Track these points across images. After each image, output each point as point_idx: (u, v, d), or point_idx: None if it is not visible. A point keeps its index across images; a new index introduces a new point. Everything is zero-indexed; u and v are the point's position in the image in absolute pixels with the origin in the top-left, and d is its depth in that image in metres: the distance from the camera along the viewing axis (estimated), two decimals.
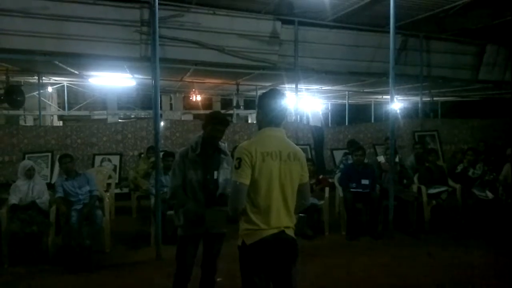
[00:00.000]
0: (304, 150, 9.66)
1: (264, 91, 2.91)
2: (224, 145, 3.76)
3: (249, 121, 19.43)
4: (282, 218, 2.65)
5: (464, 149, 9.23)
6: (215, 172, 3.61)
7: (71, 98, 16.33)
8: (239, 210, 2.61)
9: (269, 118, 2.72)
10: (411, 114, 15.96)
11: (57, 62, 8.89)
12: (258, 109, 2.81)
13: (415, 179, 7.39)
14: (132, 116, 17.90)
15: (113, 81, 12.27)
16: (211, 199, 3.55)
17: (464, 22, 9.58)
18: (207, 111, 19.29)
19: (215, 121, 3.56)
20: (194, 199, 3.55)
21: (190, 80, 12.46)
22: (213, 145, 3.61)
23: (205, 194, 3.56)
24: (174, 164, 3.69)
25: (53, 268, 5.31)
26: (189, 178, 3.55)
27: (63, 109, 15.73)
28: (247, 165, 2.55)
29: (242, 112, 18.16)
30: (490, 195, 7.04)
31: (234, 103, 16.10)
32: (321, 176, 7.31)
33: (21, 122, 14.79)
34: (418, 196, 6.97)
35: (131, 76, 11.30)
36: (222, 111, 19.46)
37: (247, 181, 2.55)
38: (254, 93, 14.83)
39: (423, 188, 7.07)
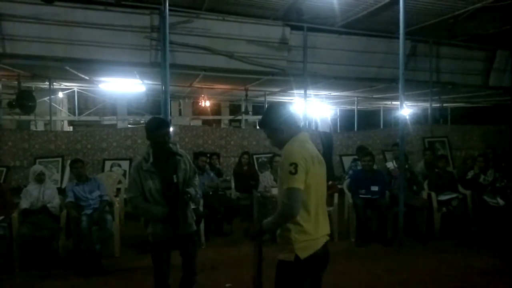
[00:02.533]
0: None
1: (270, 108, 2.87)
2: (176, 146, 3.76)
3: (257, 127, 19.43)
4: (326, 225, 2.68)
5: (474, 155, 9.15)
6: (174, 176, 3.62)
7: (82, 103, 16.48)
8: (294, 218, 2.49)
9: (295, 126, 2.73)
10: (420, 120, 15.85)
11: (68, 68, 8.98)
12: (278, 127, 2.69)
13: (425, 185, 7.34)
14: (142, 121, 17.97)
15: (123, 86, 12.36)
16: (175, 203, 3.59)
17: (474, 27, 9.54)
18: (216, 117, 19.46)
19: (154, 128, 3.59)
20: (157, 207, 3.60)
21: (199, 86, 12.50)
22: (164, 150, 3.63)
23: (167, 200, 3.59)
24: (130, 177, 3.74)
25: (63, 272, 5.34)
26: (148, 188, 3.55)
27: (74, 114, 15.85)
28: (303, 170, 2.48)
29: (250, 117, 18.18)
30: (501, 202, 6.96)
31: (243, 109, 16.12)
32: (330, 182, 7.27)
33: (32, 127, 14.94)
34: (428, 203, 6.91)
35: (141, 81, 11.38)
36: (231, 117, 19.59)
37: (303, 187, 2.47)
38: (262, 98, 14.85)
39: (433, 194, 7.01)
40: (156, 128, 3.58)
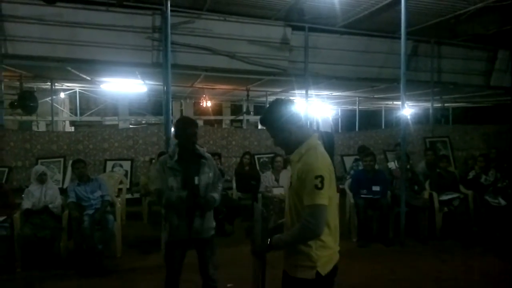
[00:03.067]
0: None
1: (274, 104, 2.51)
2: (203, 149, 3.76)
3: (259, 127, 19.43)
4: (338, 232, 2.48)
5: (476, 155, 9.15)
6: (196, 178, 3.59)
7: (83, 104, 16.50)
8: (319, 237, 2.27)
9: (302, 126, 2.48)
10: (422, 120, 15.86)
11: (69, 68, 9.00)
12: (284, 127, 2.41)
13: (427, 185, 7.34)
14: (143, 122, 18.01)
15: (124, 87, 12.37)
16: (192, 205, 3.55)
17: (475, 27, 9.53)
18: (218, 117, 19.46)
19: (186, 126, 3.63)
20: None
21: (201, 86, 12.52)
22: (190, 150, 3.63)
23: (186, 201, 3.54)
24: (155, 172, 3.75)
25: (65, 272, 5.35)
26: (170, 185, 3.55)
27: (75, 114, 15.88)
28: (328, 183, 2.24)
29: (252, 118, 18.19)
30: (502, 202, 6.95)
31: (244, 109, 16.13)
32: None
33: (34, 128, 14.95)
34: (430, 203, 6.91)
35: (143, 82, 11.40)
36: (233, 117, 19.60)
37: (328, 202, 2.24)
38: (264, 99, 14.86)
39: (434, 194, 7.01)
40: (184, 127, 3.61)
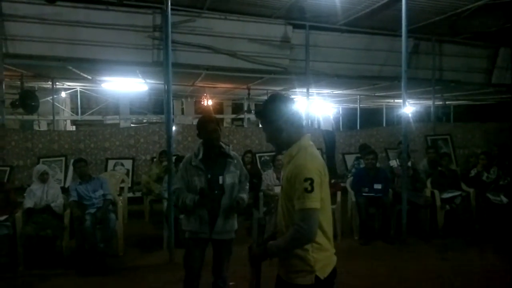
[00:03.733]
0: None
1: (271, 100, 2.41)
2: (228, 147, 3.66)
3: (260, 126, 19.43)
4: (332, 235, 2.39)
5: (477, 153, 9.14)
6: (220, 177, 3.53)
7: (84, 103, 16.49)
8: (312, 241, 2.19)
9: (298, 127, 2.37)
10: (423, 118, 15.82)
11: (70, 68, 9.00)
12: (277, 125, 2.32)
13: (428, 183, 7.33)
14: (144, 120, 18.01)
15: (125, 86, 12.38)
16: (216, 204, 3.51)
17: (476, 25, 9.51)
18: (219, 116, 19.45)
19: (205, 123, 3.56)
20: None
21: (202, 85, 12.52)
22: (214, 148, 3.57)
23: (209, 200, 3.49)
24: (178, 171, 3.71)
25: (67, 271, 5.36)
26: (194, 185, 3.50)
27: (76, 114, 15.87)
28: (318, 185, 2.16)
29: (253, 116, 18.17)
30: (504, 199, 6.94)
31: (245, 108, 16.13)
32: (333, 181, 7.28)
33: (35, 127, 14.97)
34: (431, 201, 6.91)
35: (143, 81, 11.40)
36: (233, 116, 19.60)
37: (319, 205, 2.15)
38: (265, 97, 14.82)
39: (436, 192, 7.00)
40: (204, 125, 3.54)
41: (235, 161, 3.64)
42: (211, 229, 3.52)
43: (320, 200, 2.17)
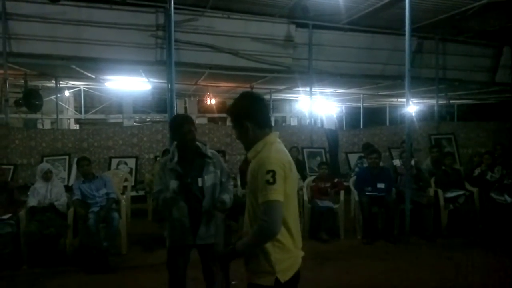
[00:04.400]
0: (319, 154, 9.67)
1: (240, 99, 2.37)
2: (205, 147, 3.49)
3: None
4: (300, 237, 2.32)
5: (481, 152, 9.11)
6: (199, 179, 3.36)
7: (88, 101, 16.54)
8: (276, 236, 2.10)
9: (264, 123, 2.31)
10: (427, 117, 15.79)
11: (74, 66, 9.03)
12: (246, 121, 2.26)
13: (432, 182, 7.31)
14: (148, 119, 18.05)
15: (128, 85, 12.40)
16: (196, 208, 3.33)
17: (480, 24, 9.49)
18: (222, 115, 19.46)
19: (179, 124, 3.39)
20: (178, 209, 3.36)
21: (205, 84, 12.52)
22: (191, 150, 3.40)
23: (188, 204, 3.34)
24: (157, 174, 3.53)
25: (71, 270, 5.37)
26: (171, 188, 3.31)
27: (80, 112, 15.92)
28: (282, 178, 2.09)
29: None
30: (508, 199, 6.91)
31: None
32: (336, 180, 7.27)
33: (39, 126, 14.99)
34: (435, 200, 6.89)
35: (147, 80, 11.42)
36: None
37: (283, 198, 2.07)
38: (268, 96, 14.85)
39: (440, 192, 6.98)
40: (178, 125, 3.38)
41: (214, 160, 3.46)
42: (194, 235, 3.37)
43: (285, 196, 2.09)
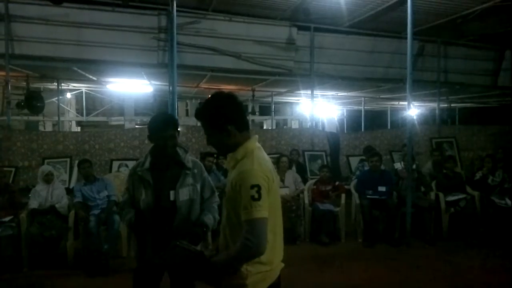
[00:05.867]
0: (320, 157, 9.66)
1: (215, 99, 2.18)
2: (186, 154, 2.94)
3: (264, 127, 19.46)
4: (281, 249, 2.19)
5: (482, 156, 9.09)
6: (172, 192, 2.81)
7: (89, 104, 16.56)
8: (262, 255, 1.96)
9: (244, 126, 2.14)
10: (428, 120, 15.77)
11: (76, 69, 9.03)
12: (228, 124, 2.07)
13: (433, 186, 7.31)
14: None
15: (130, 87, 12.42)
16: (166, 227, 2.80)
17: (482, 27, 9.50)
18: None
19: (160, 127, 2.83)
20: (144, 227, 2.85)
21: (206, 87, 12.51)
22: (167, 157, 2.86)
23: (157, 221, 2.80)
24: (126, 181, 3.03)
25: (71, 272, 5.38)
26: (138, 198, 2.82)
27: (81, 115, 15.95)
28: (266, 192, 1.95)
29: (257, 118, 18.19)
30: (509, 202, 6.91)
31: (250, 109, 16.12)
32: (337, 183, 7.27)
33: (40, 128, 15.02)
34: (436, 204, 6.88)
35: (148, 82, 11.42)
36: None
37: (267, 213, 1.94)
38: (269, 99, 14.86)
39: (441, 195, 6.98)
40: (161, 127, 2.81)
41: (195, 171, 2.91)
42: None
43: (269, 207, 1.97)
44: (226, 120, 2.07)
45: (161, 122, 2.85)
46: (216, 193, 3.10)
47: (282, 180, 7.12)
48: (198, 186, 2.91)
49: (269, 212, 1.97)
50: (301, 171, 7.99)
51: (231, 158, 2.12)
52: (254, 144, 2.13)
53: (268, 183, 1.99)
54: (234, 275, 2.00)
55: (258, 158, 2.06)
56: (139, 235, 2.92)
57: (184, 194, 2.83)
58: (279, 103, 19.13)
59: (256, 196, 1.90)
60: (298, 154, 8.85)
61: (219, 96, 2.18)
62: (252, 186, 1.91)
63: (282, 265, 2.18)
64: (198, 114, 2.17)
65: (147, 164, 2.86)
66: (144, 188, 2.81)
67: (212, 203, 3.03)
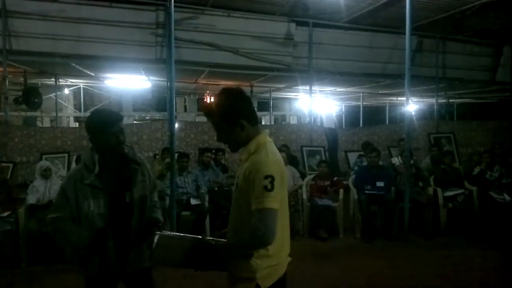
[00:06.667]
0: (318, 152, 9.67)
1: (225, 97, 2.14)
2: (133, 150, 2.70)
3: (263, 123, 19.45)
4: (289, 242, 2.22)
5: (480, 151, 9.12)
6: (127, 194, 2.57)
7: (87, 99, 16.53)
8: (269, 245, 1.98)
9: (255, 121, 2.17)
10: (426, 116, 15.79)
11: (73, 64, 9.01)
12: (242, 119, 2.09)
13: (431, 181, 7.32)
14: (147, 117, 18.04)
15: (128, 83, 12.39)
16: (124, 230, 2.55)
17: (480, 23, 9.49)
18: None
19: (104, 125, 2.49)
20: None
21: (205, 82, 12.50)
22: (118, 155, 2.59)
23: (113, 229, 2.50)
24: (59, 193, 2.53)
25: (69, 268, 5.36)
26: (85, 211, 2.45)
27: (79, 110, 15.91)
28: (279, 184, 1.96)
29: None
30: (507, 197, 6.93)
31: None
32: (335, 178, 7.28)
33: (38, 124, 15.01)
34: (434, 199, 6.90)
35: (147, 78, 11.40)
36: None
37: (278, 205, 1.96)
38: (268, 95, 14.85)
39: (439, 190, 7.00)
40: (107, 124, 2.49)
41: (142, 167, 2.69)
42: (124, 262, 2.58)
43: (279, 201, 1.99)
44: (239, 114, 2.08)
45: (107, 117, 2.53)
46: (157, 188, 2.96)
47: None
48: (147, 181, 2.71)
49: (280, 205, 2.00)
50: (294, 164, 7.95)
51: (244, 151, 2.13)
52: (266, 137, 2.15)
53: (281, 175, 2.01)
54: (245, 269, 2.01)
55: (272, 152, 2.09)
56: (96, 249, 2.47)
57: (138, 192, 2.62)
58: (277, 99, 19.12)
59: (269, 186, 1.92)
60: (288, 149, 8.80)
61: (230, 91, 2.16)
62: (266, 177, 1.93)
63: (289, 259, 2.20)
64: (210, 112, 2.16)
65: (96, 170, 2.49)
66: (94, 197, 2.47)
67: (155, 198, 2.87)
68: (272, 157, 2.03)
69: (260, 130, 2.16)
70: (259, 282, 2.02)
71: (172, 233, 2.14)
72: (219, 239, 2.19)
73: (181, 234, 2.15)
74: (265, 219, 1.91)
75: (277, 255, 2.08)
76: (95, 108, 13.90)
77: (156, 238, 2.13)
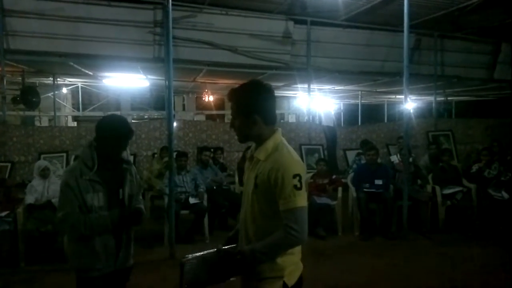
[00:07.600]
0: (317, 150, 9.67)
1: (250, 87, 2.13)
2: (126, 152, 2.86)
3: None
4: None
5: (479, 149, 9.12)
6: (120, 191, 2.74)
7: (85, 99, 16.52)
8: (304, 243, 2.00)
9: (272, 120, 2.13)
10: (425, 114, 15.81)
11: (71, 63, 9.00)
12: (255, 114, 2.05)
13: (429, 179, 7.33)
14: (146, 116, 18.04)
15: (126, 82, 12.40)
16: (121, 227, 2.75)
17: (479, 20, 9.48)
18: (220, 112, 19.45)
19: (120, 135, 2.69)
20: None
21: (203, 81, 12.50)
22: (118, 156, 2.77)
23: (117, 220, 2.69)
24: (63, 189, 2.60)
25: (68, 267, 5.36)
26: (89, 204, 2.59)
27: (78, 110, 15.91)
28: (304, 182, 1.98)
29: None
30: (505, 195, 6.93)
31: None
32: (334, 176, 7.28)
33: (36, 123, 14.99)
34: (433, 196, 6.91)
35: (145, 77, 11.39)
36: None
37: (306, 203, 1.97)
38: None
39: (437, 188, 7.00)
40: (120, 136, 2.69)
41: (131, 167, 2.88)
42: (116, 258, 2.77)
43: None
44: (253, 108, 2.05)
45: (124, 129, 2.71)
46: (142, 188, 2.98)
47: None
48: (135, 181, 2.86)
49: None
50: None
51: (261, 150, 2.08)
52: (280, 136, 2.13)
53: (304, 173, 2.00)
54: (272, 268, 2.00)
55: (292, 150, 2.09)
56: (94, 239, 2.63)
57: (128, 190, 2.78)
58: (275, 97, 19.12)
59: (299, 185, 1.92)
60: None
61: (254, 84, 2.14)
62: (295, 176, 1.93)
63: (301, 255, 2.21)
64: (232, 95, 2.13)
65: (95, 167, 2.63)
66: (94, 191, 2.61)
67: (140, 196, 2.99)
68: (295, 156, 2.04)
69: (274, 130, 2.13)
70: (285, 280, 2.02)
71: (191, 255, 2.10)
72: (231, 245, 2.18)
73: (200, 253, 2.13)
74: (298, 217, 1.92)
75: (298, 251, 2.11)
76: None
77: (183, 266, 2.09)
